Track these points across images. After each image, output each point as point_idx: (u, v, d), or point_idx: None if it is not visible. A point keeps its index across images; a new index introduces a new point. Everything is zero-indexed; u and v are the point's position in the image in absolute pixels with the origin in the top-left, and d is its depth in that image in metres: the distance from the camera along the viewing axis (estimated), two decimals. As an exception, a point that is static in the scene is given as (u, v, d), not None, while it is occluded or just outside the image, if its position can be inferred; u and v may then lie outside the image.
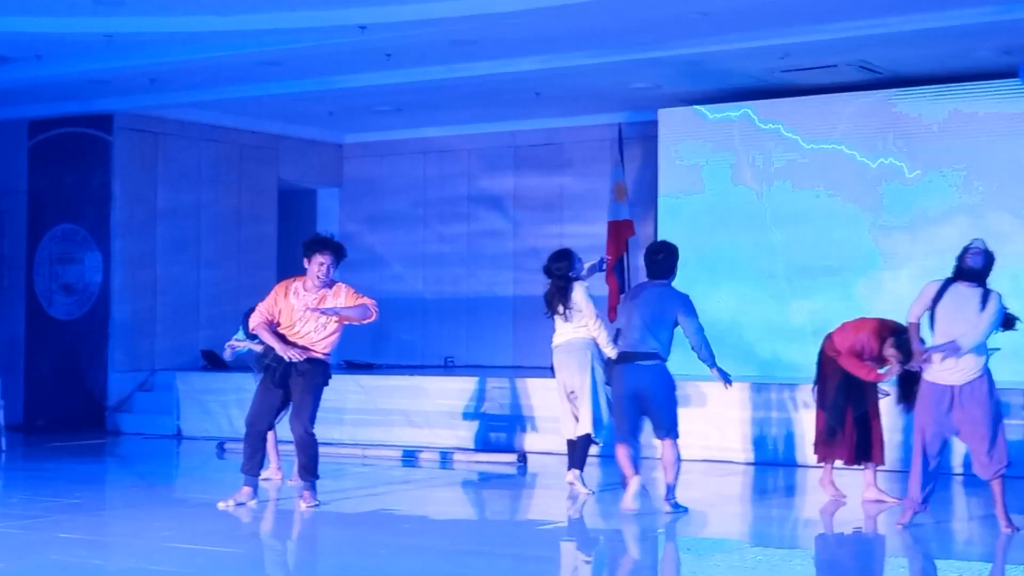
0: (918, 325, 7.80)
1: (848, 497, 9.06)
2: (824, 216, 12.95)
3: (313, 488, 8.84)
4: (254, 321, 8.79)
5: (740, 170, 13.39)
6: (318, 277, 8.64)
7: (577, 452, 9.38)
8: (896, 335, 8.52)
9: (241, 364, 10.43)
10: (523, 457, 11.28)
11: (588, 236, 15.14)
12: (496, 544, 7.85)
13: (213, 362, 14.63)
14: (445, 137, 16.19)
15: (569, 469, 9.46)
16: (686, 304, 8.51)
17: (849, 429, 8.86)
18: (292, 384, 8.68)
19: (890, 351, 8.57)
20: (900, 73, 12.55)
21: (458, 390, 12.67)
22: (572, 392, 9.34)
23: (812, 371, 9.12)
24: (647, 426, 8.64)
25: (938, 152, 12.45)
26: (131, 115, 14.66)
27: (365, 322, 8.84)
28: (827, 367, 8.90)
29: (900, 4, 10.44)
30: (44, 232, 15.00)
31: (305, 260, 8.72)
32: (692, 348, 8.50)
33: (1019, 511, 7.98)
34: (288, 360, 8.53)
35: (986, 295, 7.53)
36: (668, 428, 8.47)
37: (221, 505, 8.77)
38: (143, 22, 11.26)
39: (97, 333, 14.61)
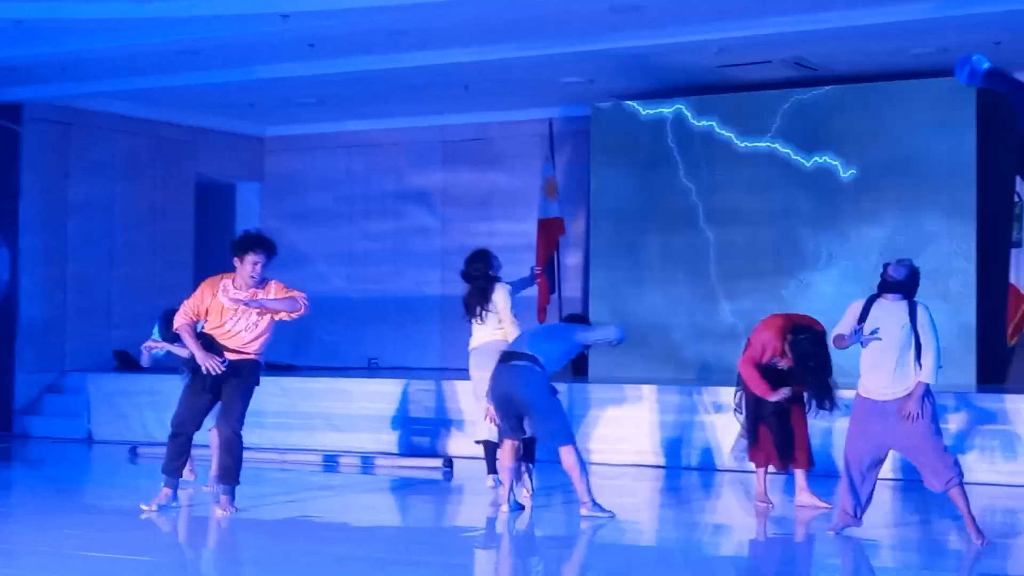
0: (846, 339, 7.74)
1: (774, 505, 9.12)
2: (756, 215, 13.02)
3: (232, 494, 8.73)
4: (179, 321, 8.68)
5: (673, 168, 13.42)
6: (251, 276, 8.58)
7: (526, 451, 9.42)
8: (793, 333, 8.55)
9: (157, 365, 10.29)
10: (449, 462, 11.24)
11: (518, 234, 15.19)
12: (420, 552, 7.81)
13: (126, 363, 14.48)
14: (371, 131, 16.13)
15: (489, 473, 9.63)
16: (583, 325, 8.76)
17: (763, 434, 8.91)
18: (223, 385, 8.60)
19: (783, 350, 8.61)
20: (836, 71, 12.66)
21: (382, 393, 12.62)
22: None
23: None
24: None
25: (873, 152, 12.56)
26: (42, 105, 14.45)
27: (294, 316, 8.71)
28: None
29: (836, 0, 10.51)
30: (-52, 227, 14.75)
31: (236, 260, 8.63)
32: (609, 345, 8.63)
33: (953, 517, 8.06)
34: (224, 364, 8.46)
35: (913, 308, 7.56)
36: (551, 436, 8.45)
37: (144, 508, 8.68)
38: (55, 7, 11.11)
39: (4, 332, 14.40)
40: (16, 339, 14.38)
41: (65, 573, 6.86)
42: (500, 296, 9.45)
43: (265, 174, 16.93)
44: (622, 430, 11.55)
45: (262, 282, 8.67)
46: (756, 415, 8.88)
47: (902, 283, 7.56)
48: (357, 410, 12.59)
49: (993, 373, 12.12)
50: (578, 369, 13.74)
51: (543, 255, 14.15)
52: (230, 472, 8.69)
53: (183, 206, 15.97)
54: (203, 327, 8.74)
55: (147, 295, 15.23)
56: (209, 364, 8.43)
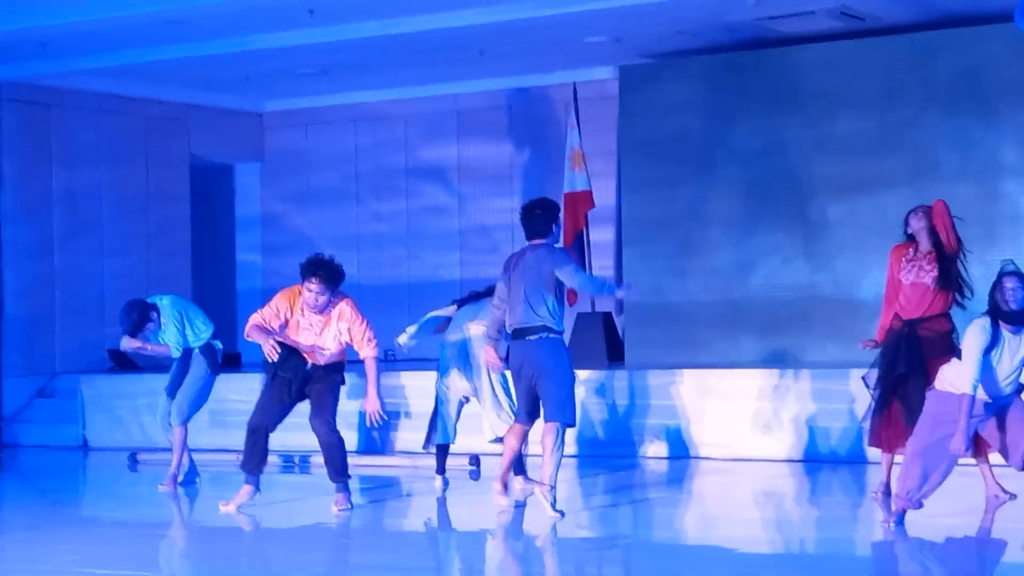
0: None
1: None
2: (808, 183, 13.04)
3: (346, 490, 9.08)
4: (251, 324, 8.93)
5: (709, 132, 13.43)
6: (315, 301, 8.85)
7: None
8: None
9: (155, 364, 10.42)
10: (476, 460, 11.28)
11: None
12: (443, 556, 7.85)
13: (122, 363, 14.55)
14: (379, 102, 16.16)
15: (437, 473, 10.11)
16: (560, 258, 8.55)
17: (895, 413, 8.90)
18: (309, 390, 8.99)
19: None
20: (886, 21, 12.62)
21: (397, 388, 12.65)
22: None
23: None
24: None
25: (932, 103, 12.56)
26: (19, 85, 14.55)
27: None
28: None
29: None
30: (-77, 220, 14.87)
31: (304, 280, 8.92)
32: (590, 295, 8.63)
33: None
34: (306, 369, 8.90)
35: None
36: (553, 410, 8.50)
37: (223, 506, 9.01)
38: (31, -22, 11.18)
39: (-12, 333, 14.53)
40: (1, 341, 14.49)
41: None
42: None
43: (265, 153, 16.98)
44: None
45: (327, 306, 8.90)
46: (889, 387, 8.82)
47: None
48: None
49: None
50: (613, 354, 13.78)
51: (570, 231, 14.14)
52: (337, 470, 9.03)
53: (177, 190, 16.03)
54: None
55: (142, 288, 15.20)
56: (267, 348, 8.72)
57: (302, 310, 8.90)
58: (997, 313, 7.43)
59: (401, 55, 13.91)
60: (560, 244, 8.96)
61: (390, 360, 15.37)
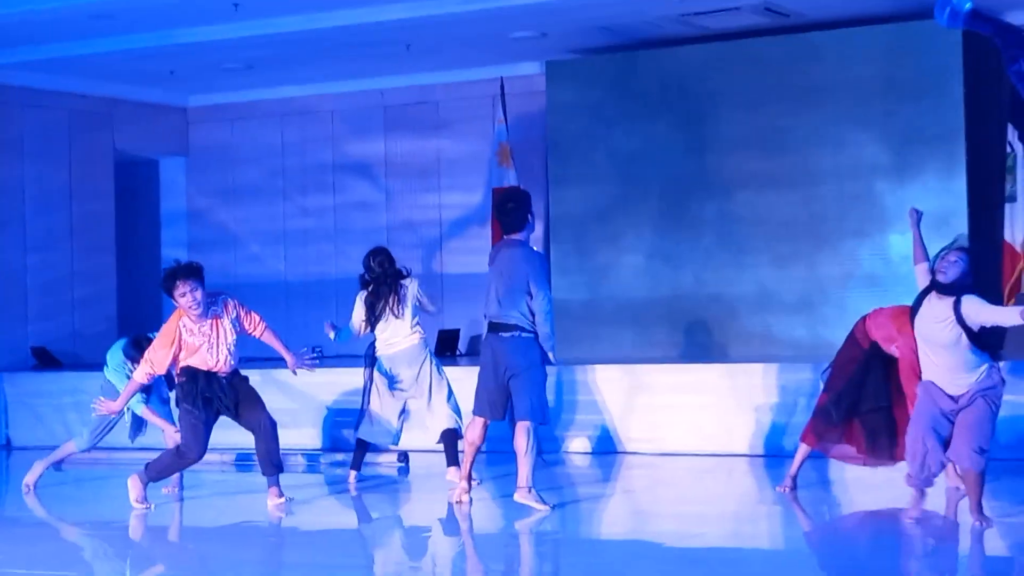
0: None
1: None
2: (735, 177, 13.13)
3: (278, 483, 9.20)
4: (141, 374, 9.01)
5: (635, 126, 13.49)
6: (193, 307, 8.81)
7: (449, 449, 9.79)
8: None
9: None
10: (404, 457, 11.27)
11: (470, 206, 15.25)
12: (375, 554, 7.85)
13: (45, 361, 14.42)
14: (305, 97, 16.11)
15: (352, 469, 10.19)
16: (537, 269, 8.57)
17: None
18: (238, 395, 9.07)
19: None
20: (809, 17, 12.72)
21: (326, 384, 12.61)
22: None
23: None
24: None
25: (849, 103, 12.67)
26: (-61, 79, 14.39)
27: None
28: None
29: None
30: None
31: (171, 295, 8.90)
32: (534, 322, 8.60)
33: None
34: (224, 383, 8.96)
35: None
36: (527, 410, 8.51)
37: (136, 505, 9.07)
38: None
39: (-92, 331, 14.36)
40: (-79, 338, 14.36)
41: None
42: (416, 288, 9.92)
43: (190, 147, 16.87)
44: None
45: (215, 307, 8.95)
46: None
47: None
48: (301, 403, 12.60)
49: (989, 341, 12.24)
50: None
51: (499, 228, 14.14)
52: (275, 463, 9.18)
53: (102, 185, 15.90)
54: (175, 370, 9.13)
55: (66, 284, 15.20)
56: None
57: (188, 330, 8.88)
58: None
59: (327, 49, 13.87)
60: (535, 234, 9.01)
61: (317, 356, 15.35)
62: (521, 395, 8.54)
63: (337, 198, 16.14)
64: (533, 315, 8.51)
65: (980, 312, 7.60)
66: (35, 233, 15.20)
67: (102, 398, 9.46)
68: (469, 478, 8.97)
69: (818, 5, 12.36)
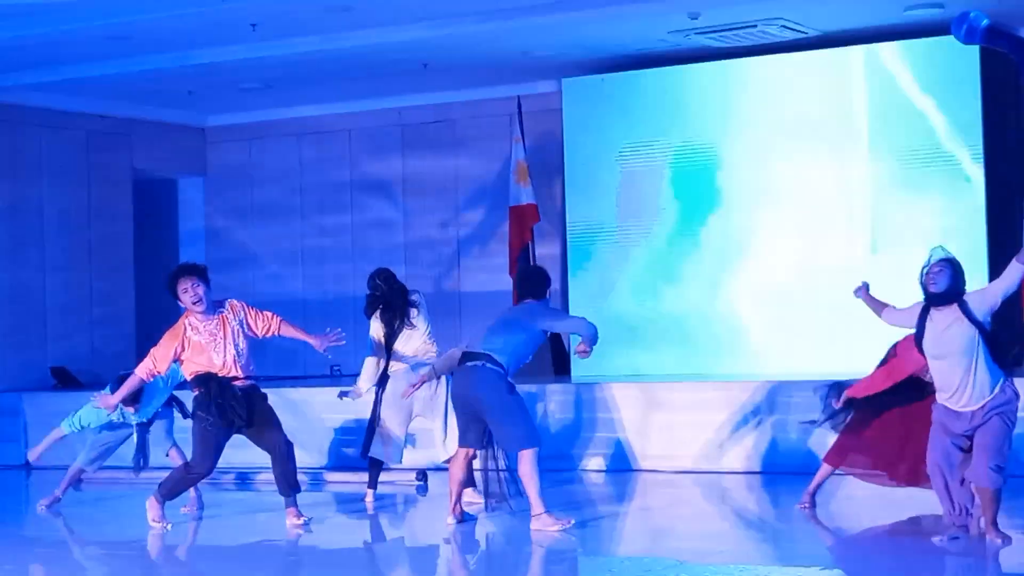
0: None
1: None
2: (759, 194, 13.15)
3: (296, 503, 9.18)
4: (143, 368, 9.00)
5: (653, 144, 13.50)
6: (196, 303, 8.87)
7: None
8: None
9: (97, 383, 10.34)
10: (423, 475, 11.28)
11: (488, 224, 15.26)
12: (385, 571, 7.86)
13: (65, 380, 14.45)
14: (322, 117, 16.14)
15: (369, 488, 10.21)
16: (552, 310, 8.85)
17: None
18: (252, 412, 8.99)
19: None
20: (826, 31, 12.72)
21: (345, 403, 12.61)
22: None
23: None
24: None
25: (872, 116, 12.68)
26: (-42, 101, 14.47)
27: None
28: None
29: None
30: None
31: (175, 295, 8.97)
32: (583, 339, 8.60)
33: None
34: (239, 394, 8.89)
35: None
36: (516, 441, 8.48)
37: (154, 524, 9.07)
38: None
39: (-73, 351, 14.42)
40: (-59, 358, 14.42)
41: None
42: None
43: (208, 167, 16.92)
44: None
45: (220, 304, 9.00)
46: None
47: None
48: (319, 422, 12.63)
49: (1009, 356, 12.21)
50: (559, 368, 13.81)
51: (516, 245, 14.18)
52: (291, 483, 9.16)
53: (120, 205, 15.96)
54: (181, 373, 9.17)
55: (85, 304, 15.26)
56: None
57: (194, 328, 8.91)
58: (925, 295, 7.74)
59: (344, 69, 13.92)
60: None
61: (336, 375, 15.38)
62: (503, 427, 8.51)
63: (355, 217, 16.16)
64: (510, 354, 8.53)
65: (985, 295, 7.68)
66: (54, 253, 15.25)
67: (100, 393, 9.51)
68: (460, 512, 8.91)
69: (834, 20, 12.35)
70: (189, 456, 9.50)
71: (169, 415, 10.27)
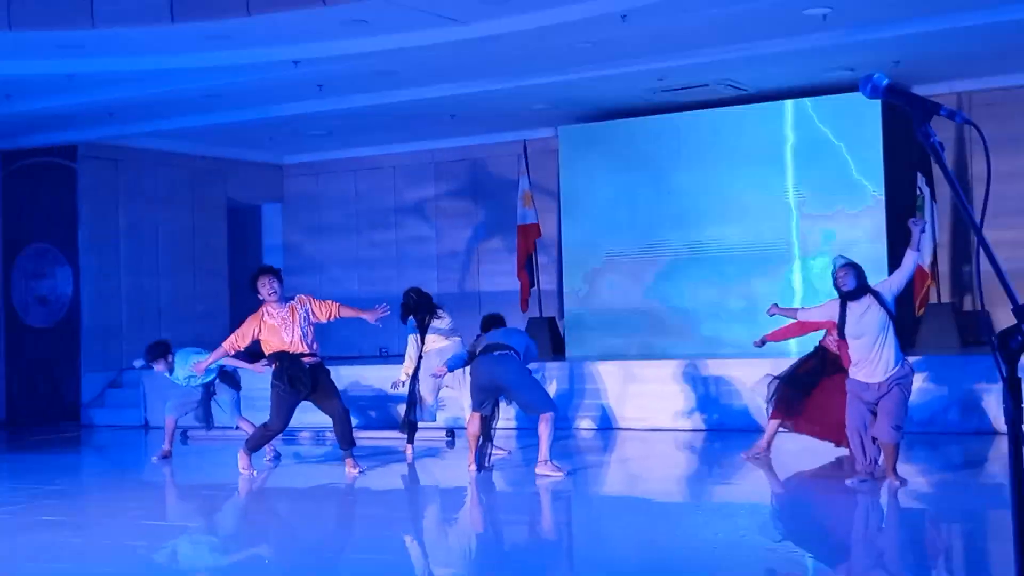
0: None
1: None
2: (705, 215, 13.12)
3: (354, 455, 9.18)
4: (229, 342, 9.12)
5: (629, 177, 13.50)
6: (271, 295, 8.90)
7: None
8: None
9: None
10: (451, 433, 11.30)
11: (500, 238, 15.26)
12: (423, 508, 7.86)
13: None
14: (373, 156, 16.16)
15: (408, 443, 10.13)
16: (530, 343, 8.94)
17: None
18: (317, 385, 8.98)
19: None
20: (763, 88, 12.73)
21: (391, 377, 12.65)
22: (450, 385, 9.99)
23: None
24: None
25: (797, 157, 12.66)
26: (93, 145, 14.47)
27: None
28: None
29: (762, 30, 10.55)
30: (18, 251, 14.78)
31: (255, 290, 8.99)
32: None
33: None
34: (306, 368, 8.87)
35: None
36: (542, 406, 8.56)
37: (243, 470, 9.12)
38: (101, 63, 11.12)
39: (70, 338, 14.43)
40: (80, 343, 14.42)
41: (132, 540, 6.93)
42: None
43: (285, 196, 16.96)
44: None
45: (290, 298, 9.07)
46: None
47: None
48: (370, 392, 12.66)
49: (905, 339, 12.21)
50: (557, 350, 13.82)
51: (522, 255, 14.20)
52: (349, 440, 9.12)
53: (217, 225, 15.99)
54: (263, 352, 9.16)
55: (189, 302, 15.34)
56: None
57: (270, 315, 8.92)
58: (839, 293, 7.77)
59: (390, 119, 13.93)
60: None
61: (384, 356, 15.41)
62: (533, 396, 8.58)
63: (398, 233, 16.18)
64: (524, 351, 8.73)
65: (890, 283, 7.76)
66: (166, 262, 15.29)
67: (198, 359, 9.71)
68: (479, 462, 8.90)
69: (769, 80, 12.36)
70: (255, 424, 9.54)
71: (235, 395, 10.31)
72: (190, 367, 9.89)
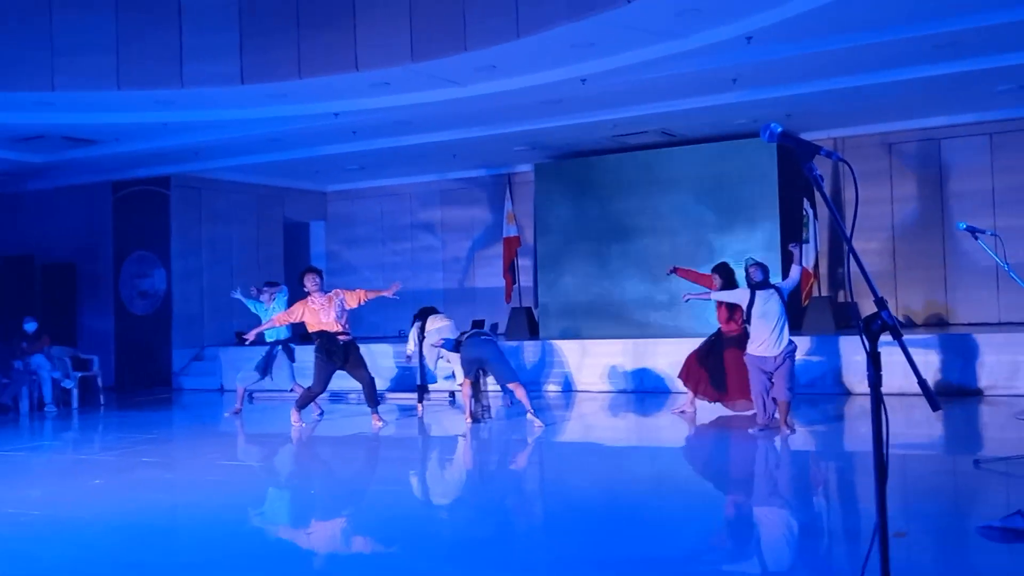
0: None
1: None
2: (645, 230, 13.07)
3: (378, 412, 9.18)
4: (280, 317, 9.20)
5: (588, 201, 13.48)
6: (314, 287, 8.95)
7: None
8: None
9: (259, 342, 10.35)
10: (452, 395, 11.26)
11: (490, 247, 15.22)
12: (429, 451, 7.75)
13: (241, 341, 14.39)
14: (394, 184, 16.10)
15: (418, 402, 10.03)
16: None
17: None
18: (349, 357, 8.95)
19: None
20: (689, 136, 12.73)
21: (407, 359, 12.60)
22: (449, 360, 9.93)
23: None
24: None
25: (710, 187, 12.63)
26: (182, 176, 14.40)
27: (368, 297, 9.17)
28: None
29: (688, 90, 10.55)
30: (125, 257, 14.69)
31: (303, 284, 9.03)
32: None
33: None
34: (340, 344, 8.88)
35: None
36: (514, 376, 8.76)
37: (296, 426, 9.11)
38: (188, 115, 11.09)
39: (164, 323, 14.35)
40: (172, 327, 14.35)
41: (210, 476, 6.90)
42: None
43: (328, 215, 16.88)
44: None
45: (328, 290, 9.11)
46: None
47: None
48: (389, 362, 12.61)
49: (793, 323, 12.22)
50: (532, 332, 13.80)
51: (507, 260, 14.17)
52: (374, 400, 9.10)
53: (275, 238, 15.91)
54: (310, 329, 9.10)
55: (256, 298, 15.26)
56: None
57: (313, 301, 8.94)
58: (750, 284, 7.79)
59: (407, 157, 13.89)
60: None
61: (402, 337, 15.35)
62: (506, 369, 8.75)
63: (413, 244, 16.12)
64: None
65: (786, 283, 7.81)
66: (237, 267, 15.21)
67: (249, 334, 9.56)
68: (473, 414, 8.97)
69: (693, 128, 12.36)
70: (307, 385, 9.50)
71: (290, 366, 10.30)
72: (275, 308, 10.04)
